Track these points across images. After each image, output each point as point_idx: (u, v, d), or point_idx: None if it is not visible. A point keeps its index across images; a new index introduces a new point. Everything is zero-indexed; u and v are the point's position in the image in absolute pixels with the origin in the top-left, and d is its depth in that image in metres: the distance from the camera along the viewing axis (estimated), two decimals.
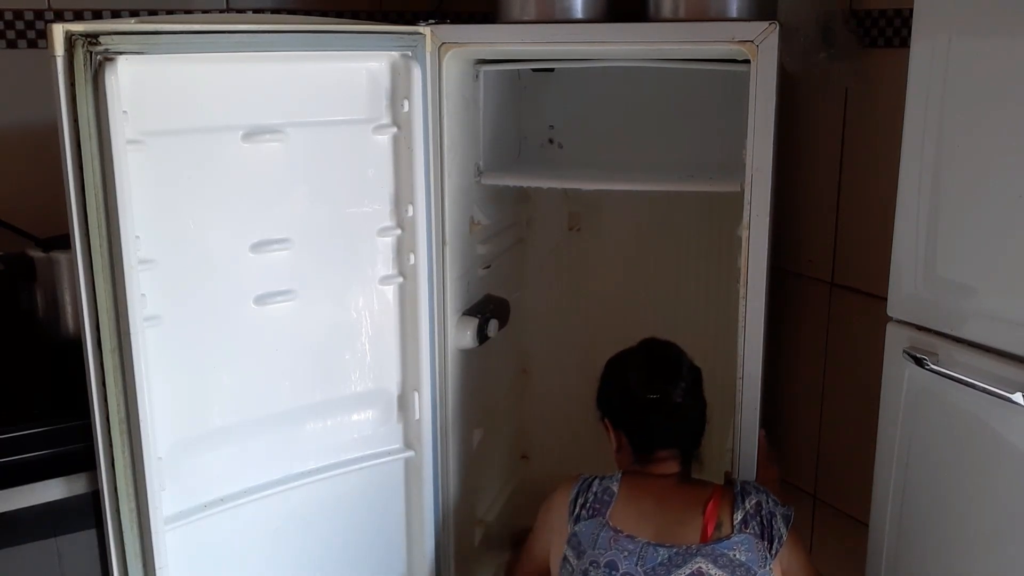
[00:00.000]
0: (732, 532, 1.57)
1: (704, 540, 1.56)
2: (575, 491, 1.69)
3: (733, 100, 2.03)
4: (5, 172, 1.98)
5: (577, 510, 1.66)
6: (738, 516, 1.58)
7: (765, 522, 1.58)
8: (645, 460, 1.72)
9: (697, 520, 1.59)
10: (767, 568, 1.54)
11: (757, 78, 1.70)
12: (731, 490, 1.63)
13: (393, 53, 1.78)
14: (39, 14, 1.99)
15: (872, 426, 1.63)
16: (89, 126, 1.41)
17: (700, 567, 1.53)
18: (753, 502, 1.60)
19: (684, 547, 1.56)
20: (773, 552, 1.55)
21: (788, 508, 1.61)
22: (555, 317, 2.52)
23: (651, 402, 1.70)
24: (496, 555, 2.35)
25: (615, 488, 1.66)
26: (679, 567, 1.54)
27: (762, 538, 1.56)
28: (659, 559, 1.56)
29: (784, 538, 1.57)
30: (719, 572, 1.53)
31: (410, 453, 1.94)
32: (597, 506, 1.65)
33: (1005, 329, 1.38)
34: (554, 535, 1.70)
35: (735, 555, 1.54)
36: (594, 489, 1.67)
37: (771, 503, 1.60)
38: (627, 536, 1.60)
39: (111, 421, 1.52)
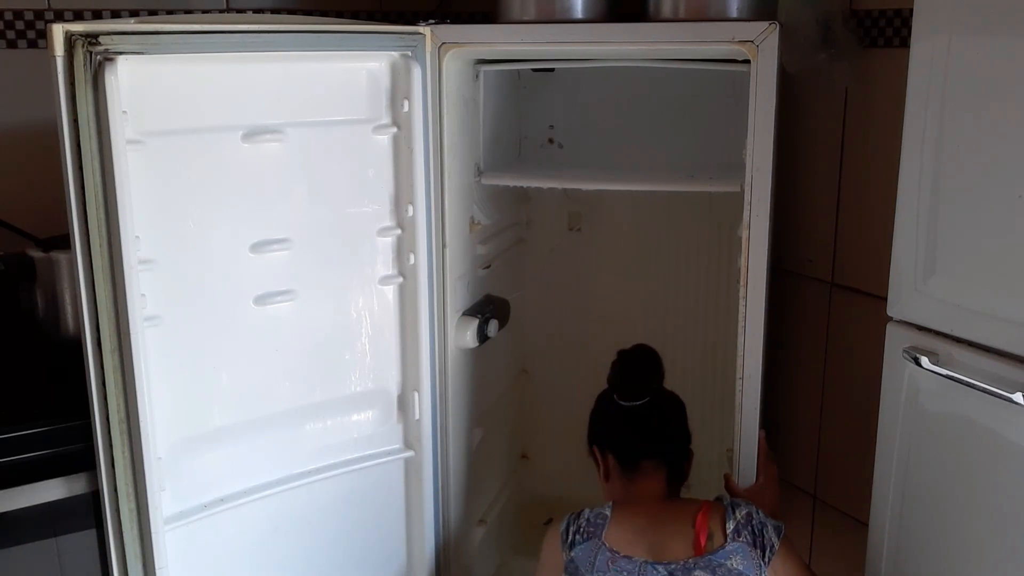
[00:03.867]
0: (725, 542, 1.57)
1: (698, 552, 1.56)
2: (565, 523, 1.68)
3: (733, 100, 2.04)
4: (5, 172, 1.98)
5: (571, 537, 1.65)
6: (730, 526, 1.58)
7: (756, 531, 1.58)
8: (631, 475, 1.72)
9: (688, 533, 1.59)
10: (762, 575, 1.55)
11: (757, 78, 1.70)
12: (720, 503, 1.64)
13: (393, 53, 1.78)
14: (39, 14, 1.99)
15: (872, 426, 1.63)
16: (89, 126, 1.41)
17: None
18: (744, 513, 1.61)
19: (681, 562, 1.56)
20: (766, 560, 1.56)
21: (779, 522, 1.62)
22: (555, 317, 2.52)
23: (629, 409, 1.72)
24: (496, 555, 2.35)
25: (608, 512, 1.66)
26: None
27: (755, 547, 1.57)
28: None
29: (776, 547, 1.57)
30: None
31: (410, 453, 1.94)
32: (591, 529, 1.64)
33: (1005, 329, 1.38)
34: (553, 573, 1.68)
35: (732, 564, 1.54)
36: (586, 515, 1.67)
37: (761, 515, 1.62)
38: (624, 556, 1.59)
39: (111, 421, 1.52)
